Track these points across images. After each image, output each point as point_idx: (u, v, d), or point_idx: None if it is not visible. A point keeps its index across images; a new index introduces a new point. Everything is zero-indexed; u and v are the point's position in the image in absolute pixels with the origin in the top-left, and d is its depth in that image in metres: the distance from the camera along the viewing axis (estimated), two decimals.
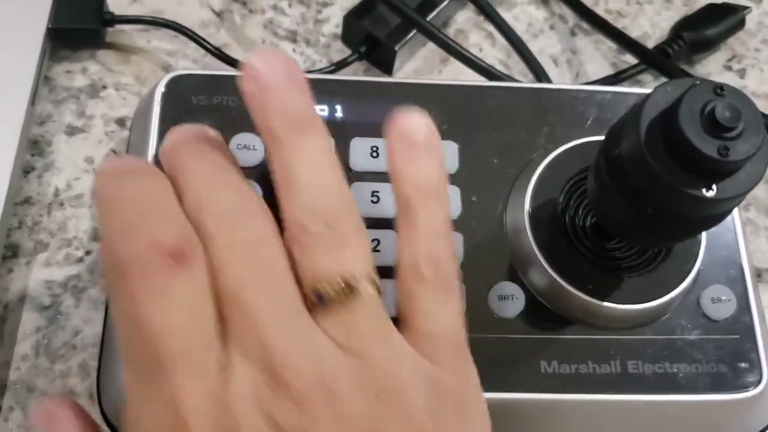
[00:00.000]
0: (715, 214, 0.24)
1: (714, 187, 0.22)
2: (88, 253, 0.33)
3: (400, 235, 0.24)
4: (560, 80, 0.40)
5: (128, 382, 0.21)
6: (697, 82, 0.23)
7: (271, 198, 0.29)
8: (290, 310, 0.22)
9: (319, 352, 0.21)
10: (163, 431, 0.20)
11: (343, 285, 0.22)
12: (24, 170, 0.34)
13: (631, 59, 0.41)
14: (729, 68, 0.43)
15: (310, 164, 0.24)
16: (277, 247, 0.22)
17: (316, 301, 0.22)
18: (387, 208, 0.30)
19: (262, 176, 0.29)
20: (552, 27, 0.42)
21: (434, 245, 0.24)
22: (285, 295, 0.22)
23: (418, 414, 0.21)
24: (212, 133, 0.27)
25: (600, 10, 0.43)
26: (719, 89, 0.22)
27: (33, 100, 0.35)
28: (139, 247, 0.21)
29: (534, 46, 0.40)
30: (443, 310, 0.23)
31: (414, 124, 0.25)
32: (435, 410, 0.21)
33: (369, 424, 0.20)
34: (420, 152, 0.25)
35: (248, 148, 0.30)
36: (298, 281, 0.22)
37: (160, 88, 0.31)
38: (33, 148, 0.35)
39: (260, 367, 0.20)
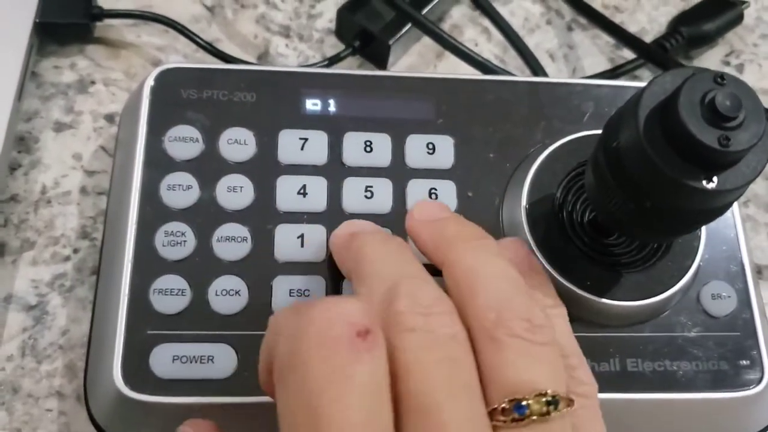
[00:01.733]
0: (715, 207, 0.23)
1: (714, 178, 0.22)
2: (75, 251, 0.32)
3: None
4: (557, 75, 0.40)
5: None
6: (697, 72, 0.22)
7: (262, 194, 0.29)
8: (483, 424, 0.20)
9: None
10: None
11: (549, 398, 0.20)
12: (10, 167, 0.34)
13: (628, 54, 0.41)
14: (727, 63, 0.42)
15: (496, 264, 0.22)
16: (468, 348, 0.21)
17: (512, 412, 0.20)
18: (381, 203, 0.29)
19: (253, 171, 0.29)
20: (549, 22, 0.42)
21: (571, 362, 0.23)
22: (478, 404, 0.20)
23: None
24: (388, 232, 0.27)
25: (597, 5, 0.42)
26: (719, 78, 0.22)
27: (20, 96, 0.34)
28: (322, 320, 0.19)
29: (530, 41, 0.39)
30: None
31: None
32: None
33: None
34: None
35: (239, 142, 0.29)
36: (483, 385, 0.20)
37: (149, 82, 0.30)
38: (20, 145, 0.34)
39: None
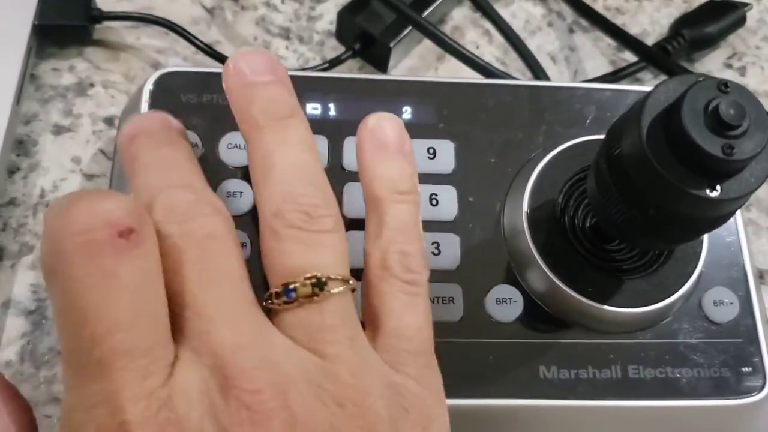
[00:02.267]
0: (719, 216, 0.23)
1: (718, 187, 0.22)
2: None
3: (367, 234, 0.24)
4: (558, 78, 0.40)
5: (67, 381, 0.19)
6: (701, 79, 0.22)
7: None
8: (244, 309, 0.21)
9: (274, 353, 0.20)
10: None
11: (314, 281, 0.21)
12: (9, 171, 0.33)
13: (630, 57, 0.40)
14: (729, 66, 0.42)
15: (291, 151, 0.23)
16: (232, 244, 0.22)
17: (283, 296, 0.21)
18: None
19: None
20: (550, 24, 0.42)
21: (404, 243, 0.23)
22: (239, 293, 0.21)
23: (380, 424, 0.20)
24: (175, 125, 0.26)
25: (599, 7, 0.42)
26: (723, 86, 0.21)
27: (18, 98, 0.34)
28: (81, 222, 0.19)
29: (532, 44, 0.39)
30: (411, 313, 0.23)
31: (385, 124, 0.25)
32: (397, 421, 0.21)
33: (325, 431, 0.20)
34: (391, 152, 0.25)
35: (238, 147, 0.29)
36: (265, 272, 0.22)
37: (149, 86, 0.30)
38: (18, 148, 0.34)
39: (210, 369, 0.19)
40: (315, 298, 0.21)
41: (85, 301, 0.18)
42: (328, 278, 0.21)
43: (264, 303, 0.22)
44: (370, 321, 0.23)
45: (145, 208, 0.21)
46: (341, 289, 0.22)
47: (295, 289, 0.21)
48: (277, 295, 0.21)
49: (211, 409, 0.19)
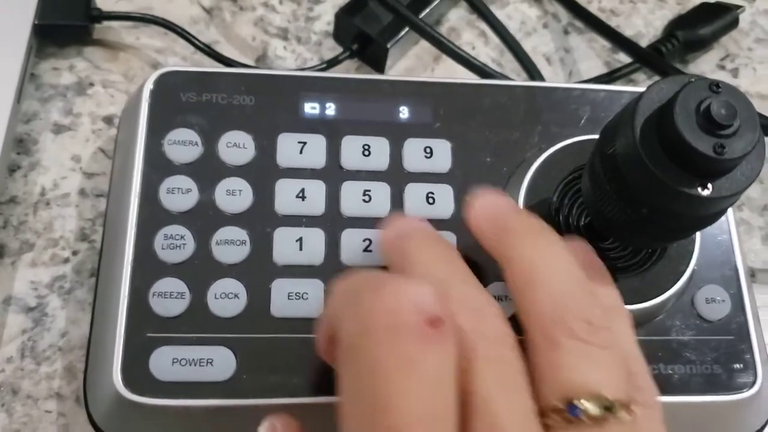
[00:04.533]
0: (710, 213, 0.23)
1: (709, 185, 0.22)
2: (74, 253, 0.32)
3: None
4: (553, 79, 0.40)
5: None
6: (693, 79, 0.22)
7: (260, 197, 0.29)
8: (533, 421, 0.19)
9: None
10: None
11: (604, 404, 0.19)
12: (9, 169, 0.34)
13: (624, 58, 0.41)
14: (722, 67, 0.42)
15: (559, 259, 0.22)
16: (518, 349, 0.20)
17: (567, 413, 0.19)
18: (379, 207, 0.29)
19: (252, 175, 0.29)
20: (545, 25, 0.42)
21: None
22: (529, 402, 0.20)
23: None
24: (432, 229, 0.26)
25: (593, 9, 0.42)
26: (715, 86, 0.22)
27: (19, 97, 0.34)
28: (392, 303, 0.18)
29: (527, 45, 0.40)
30: None
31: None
32: None
33: None
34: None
35: (238, 146, 0.29)
36: (537, 385, 0.20)
37: (149, 85, 0.30)
38: (19, 147, 0.34)
39: None
40: (602, 422, 0.19)
41: (386, 389, 0.18)
42: (620, 403, 0.20)
43: (540, 417, 0.20)
44: None
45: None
46: (628, 419, 0.20)
47: (581, 408, 0.19)
48: (555, 410, 0.19)
49: None
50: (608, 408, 0.19)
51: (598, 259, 0.25)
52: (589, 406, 0.19)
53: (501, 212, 0.24)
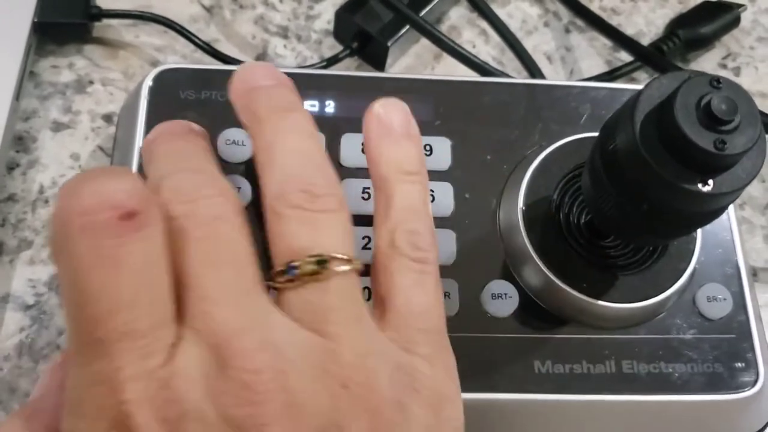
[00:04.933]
0: (711, 210, 0.23)
1: (710, 181, 0.22)
2: None
3: (376, 215, 0.24)
4: (554, 77, 0.40)
5: (71, 358, 0.19)
6: (693, 75, 0.22)
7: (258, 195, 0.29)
8: (248, 290, 0.21)
9: (275, 334, 0.20)
10: (103, 415, 0.18)
11: (317, 259, 0.21)
12: (8, 167, 0.34)
13: (625, 57, 0.41)
14: (724, 66, 0.42)
15: (292, 138, 0.24)
16: (238, 225, 0.21)
17: (286, 274, 0.21)
18: None
19: (251, 172, 0.29)
20: (546, 24, 0.42)
21: (412, 222, 0.23)
22: (243, 274, 0.21)
23: (386, 406, 0.20)
24: (196, 128, 0.26)
25: (595, 7, 0.42)
26: (715, 82, 0.22)
27: (18, 95, 0.34)
28: (85, 203, 0.19)
29: (528, 43, 0.40)
30: (421, 291, 0.23)
31: (391, 109, 0.25)
32: (406, 402, 0.21)
33: (329, 415, 0.19)
34: (397, 136, 0.25)
35: (236, 143, 0.29)
36: (270, 256, 0.22)
37: (148, 83, 0.30)
38: (18, 144, 0.34)
39: (211, 350, 0.19)
40: (318, 275, 0.21)
41: (86, 282, 0.19)
42: (332, 257, 0.21)
43: (267, 282, 0.21)
44: (378, 301, 0.23)
45: (153, 191, 0.21)
46: (346, 268, 0.21)
47: (297, 267, 0.21)
48: (281, 273, 0.21)
49: (211, 389, 0.19)
50: (320, 263, 0.21)
51: (411, 123, 0.26)
52: (303, 264, 0.21)
53: (252, 87, 0.25)
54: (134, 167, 0.29)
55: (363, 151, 0.29)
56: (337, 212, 0.23)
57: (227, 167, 0.29)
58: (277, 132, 0.24)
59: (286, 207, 0.22)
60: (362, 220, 0.29)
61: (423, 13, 0.38)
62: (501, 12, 0.40)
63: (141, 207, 0.19)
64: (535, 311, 0.28)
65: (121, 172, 0.20)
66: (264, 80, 0.25)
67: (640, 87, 0.33)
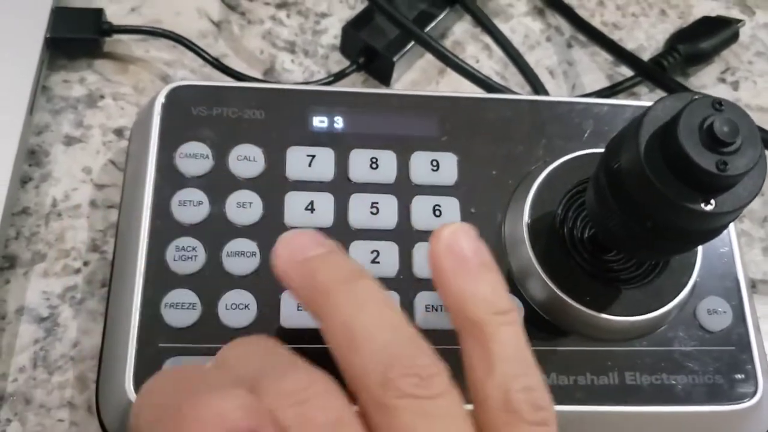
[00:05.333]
0: (713, 228, 0.24)
1: (712, 201, 0.23)
2: (86, 263, 0.33)
3: (471, 367, 0.21)
4: (556, 92, 0.41)
5: None
6: (696, 97, 0.23)
7: (270, 210, 0.29)
8: None
9: None
10: None
11: None
12: (22, 180, 0.34)
13: (626, 71, 0.42)
14: (723, 80, 0.43)
15: (370, 309, 0.21)
16: (357, 425, 0.20)
17: None
18: (386, 219, 0.30)
19: (262, 188, 0.30)
20: (548, 39, 0.43)
21: (525, 377, 0.21)
22: None
23: None
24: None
25: (596, 23, 0.43)
26: (718, 104, 0.22)
27: (31, 109, 0.35)
28: (196, 423, 0.18)
29: (530, 58, 0.40)
30: None
31: (460, 236, 0.23)
32: None
33: None
34: (476, 268, 0.22)
35: (248, 159, 0.30)
36: None
37: (160, 99, 0.31)
38: (31, 158, 0.35)
39: None
40: None
41: None
42: None
43: None
44: None
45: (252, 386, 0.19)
46: None
47: None
48: None
49: None
50: None
51: (484, 251, 0.23)
52: None
53: (306, 258, 0.22)
54: (149, 182, 0.29)
55: (370, 166, 0.30)
56: (449, 393, 0.20)
57: (238, 183, 0.30)
58: (350, 305, 0.21)
59: (395, 398, 0.19)
60: (371, 235, 0.29)
61: (428, 29, 0.39)
62: (504, 27, 0.41)
63: (255, 425, 0.18)
64: (540, 324, 0.29)
65: (230, 391, 0.18)
66: (315, 248, 0.22)
67: (641, 103, 0.34)
